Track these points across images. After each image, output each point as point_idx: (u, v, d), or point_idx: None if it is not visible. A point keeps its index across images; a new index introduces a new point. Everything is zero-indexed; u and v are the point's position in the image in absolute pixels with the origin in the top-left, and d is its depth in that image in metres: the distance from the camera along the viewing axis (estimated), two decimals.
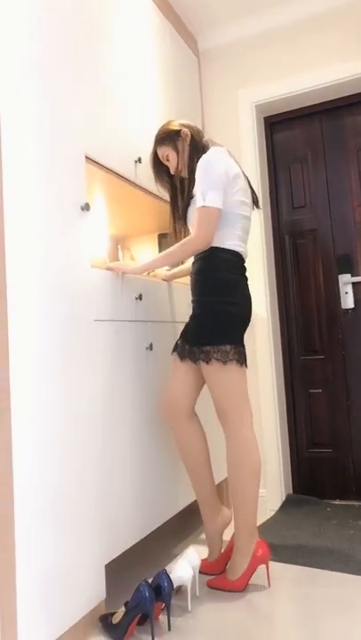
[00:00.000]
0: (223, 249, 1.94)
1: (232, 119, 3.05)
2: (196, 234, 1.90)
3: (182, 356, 2.03)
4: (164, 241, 2.92)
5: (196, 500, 2.37)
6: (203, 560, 2.08)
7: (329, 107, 3.00)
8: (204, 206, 1.88)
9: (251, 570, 1.89)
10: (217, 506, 2.08)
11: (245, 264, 2.03)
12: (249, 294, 2.00)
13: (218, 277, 1.93)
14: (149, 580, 1.68)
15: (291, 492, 2.99)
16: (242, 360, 1.93)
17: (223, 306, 1.91)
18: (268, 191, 3.10)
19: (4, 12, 1.52)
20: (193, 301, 2.00)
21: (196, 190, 1.92)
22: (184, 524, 2.61)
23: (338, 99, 2.97)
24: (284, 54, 2.95)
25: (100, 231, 2.68)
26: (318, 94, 2.92)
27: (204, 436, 2.08)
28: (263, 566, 1.95)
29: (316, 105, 3.02)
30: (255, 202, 2.10)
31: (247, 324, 1.99)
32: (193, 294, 2.00)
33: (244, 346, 1.96)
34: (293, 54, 2.93)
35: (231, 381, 1.91)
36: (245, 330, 1.99)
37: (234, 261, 1.96)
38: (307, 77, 2.88)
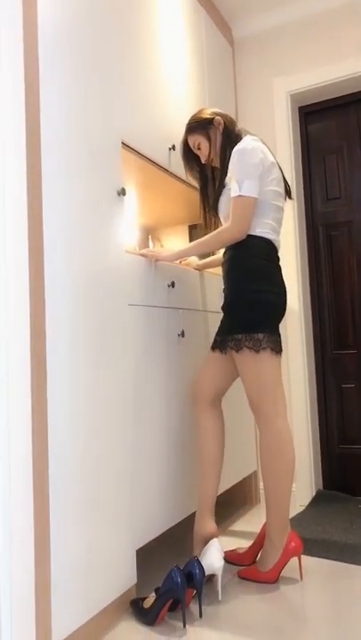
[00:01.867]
0: (255, 236, 1.90)
1: (267, 109, 3.02)
2: (232, 223, 1.87)
3: (214, 348, 2.01)
4: (194, 232, 2.90)
5: (229, 488, 2.36)
6: (232, 551, 2.06)
7: None
8: (240, 195, 1.85)
9: (283, 562, 1.86)
10: (208, 512, 1.97)
11: (278, 254, 1.99)
12: (283, 282, 1.96)
13: (251, 264, 1.90)
14: (181, 567, 1.66)
15: (321, 487, 2.94)
16: (277, 349, 1.89)
17: (256, 293, 1.87)
18: (301, 182, 3.06)
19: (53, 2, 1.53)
20: (225, 289, 1.97)
21: (231, 179, 1.90)
22: (216, 513, 2.59)
23: None
24: (320, 43, 2.90)
25: (132, 220, 2.68)
26: (354, 83, 2.87)
27: (223, 430, 2.03)
28: (295, 559, 1.92)
29: (352, 94, 2.96)
30: (288, 192, 2.07)
31: (282, 313, 1.94)
32: (225, 282, 1.97)
33: (279, 334, 1.92)
34: (329, 43, 2.88)
35: (264, 370, 1.86)
36: (281, 318, 1.94)
37: (267, 249, 1.92)
38: (342, 66, 2.82)
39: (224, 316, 1.96)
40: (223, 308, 1.96)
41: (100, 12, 1.78)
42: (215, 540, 1.80)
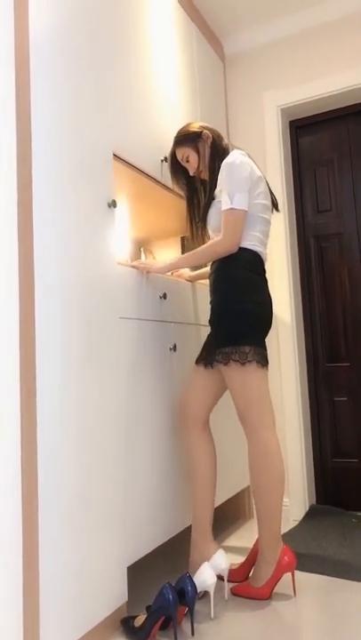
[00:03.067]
0: (243, 248, 1.91)
1: (257, 123, 3.04)
2: (225, 236, 1.88)
3: (198, 362, 2.00)
4: (186, 244, 2.89)
5: (222, 503, 2.33)
6: None
7: (356, 110, 2.96)
8: (232, 209, 1.86)
9: (276, 578, 1.83)
10: (208, 536, 1.94)
11: (265, 267, 1.99)
12: (270, 295, 1.97)
13: (237, 276, 1.89)
14: (173, 584, 1.62)
15: (314, 502, 2.91)
16: (263, 361, 1.88)
17: (243, 305, 1.86)
18: (292, 194, 3.07)
19: (42, 12, 1.52)
20: (212, 301, 1.95)
21: (221, 192, 1.91)
22: None
23: None
24: (310, 57, 2.93)
25: (123, 232, 2.68)
26: (345, 97, 2.89)
27: (214, 451, 2.01)
28: (289, 574, 1.89)
29: (343, 108, 2.98)
30: (275, 205, 2.07)
31: (269, 325, 1.94)
32: (212, 294, 1.96)
33: (265, 347, 1.92)
34: (319, 57, 2.91)
35: (251, 383, 1.85)
36: (267, 331, 1.94)
37: (254, 261, 1.93)
38: (333, 80, 2.85)
39: (211, 329, 1.95)
40: (210, 320, 1.95)
41: (92, 25, 1.79)
42: (219, 552, 1.80)
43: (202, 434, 1.99)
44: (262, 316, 1.90)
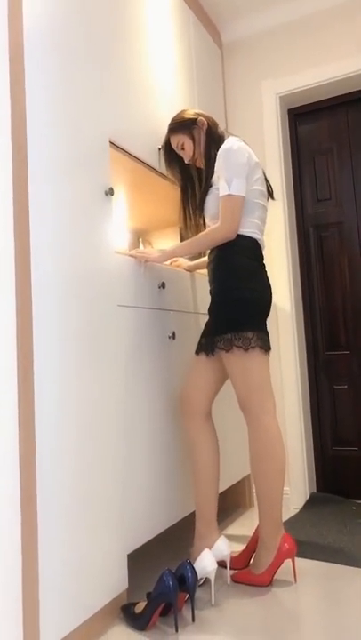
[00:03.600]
0: (241, 235, 1.90)
1: (256, 111, 3.02)
2: (223, 223, 1.87)
3: (199, 351, 1.98)
4: (185, 234, 2.89)
5: (223, 492, 2.34)
6: None
7: (355, 97, 2.94)
8: (229, 194, 1.85)
9: (276, 564, 1.84)
10: (213, 526, 1.93)
11: (263, 253, 1.98)
12: (268, 281, 1.96)
13: (236, 263, 1.89)
14: (173, 570, 1.63)
15: (315, 490, 2.92)
16: (265, 347, 1.88)
17: (243, 292, 1.86)
18: (291, 183, 3.06)
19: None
20: (211, 290, 1.95)
21: (218, 179, 1.90)
22: None
23: None
24: (309, 45, 2.91)
25: (121, 221, 2.67)
26: (344, 85, 2.88)
27: (217, 442, 2.00)
28: (289, 561, 1.90)
29: (342, 96, 2.97)
30: (270, 192, 2.06)
31: (268, 311, 1.94)
32: (211, 282, 1.96)
33: (267, 332, 1.91)
34: (318, 45, 2.89)
35: (253, 369, 1.85)
36: (267, 316, 1.93)
37: (252, 248, 1.92)
38: (332, 68, 2.83)
39: (211, 317, 1.94)
40: (210, 309, 1.94)
41: (88, 13, 1.77)
42: (221, 539, 1.80)
43: (204, 425, 1.98)
44: (262, 303, 1.90)
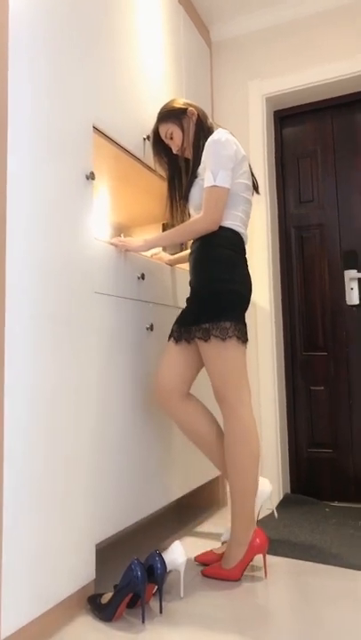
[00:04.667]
0: (224, 227, 1.89)
1: (242, 111, 3.03)
2: (206, 213, 1.86)
3: (177, 339, 1.93)
4: (171, 224, 2.87)
5: (194, 490, 2.32)
6: (208, 552, 1.99)
7: (340, 102, 2.97)
8: (214, 186, 1.84)
9: (247, 559, 1.81)
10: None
11: (246, 247, 1.98)
12: (249, 274, 1.95)
13: (217, 254, 1.87)
14: (142, 561, 1.60)
15: (289, 491, 2.91)
16: (243, 337, 1.87)
17: (223, 283, 1.84)
18: (275, 184, 3.07)
19: None
20: (191, 280, 1.94)
21: (205, 170, 1.89)
22: (180, 517, 2.54)
23: (349, 94, 2.94)
24: (297, 48, 2.93)
25: (104, 212, 2.65)
26: (330, 89, 2.90)
27: (208, 411, 1.96)
28: (260, 557, 1.88)
29: (328, 100, 2.99)
30: (255, 187, 2.06)
31: (247, 303, 1.92)
32: (192, 272, 1.94)
33: (245, 324, 1.90)
34: (306, 48, 2.91)
35: (229, 359, 1.83)
36: (246, 309, 1.92)
37: (234, 240, 1.91)
38: (318, 71, 2.85)
39: (189, 305, 1.91)
40: (188, 298, 1.92)
41: (77, 1, 1.76)
42: (175, 543, 1.71)
43: (186, 401, 1.93)
44: (241, 295, 1.88)
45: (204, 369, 1.98)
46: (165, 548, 1.81)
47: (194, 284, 1.92)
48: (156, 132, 2.11)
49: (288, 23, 2.96)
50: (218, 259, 1.87)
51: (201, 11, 2.98)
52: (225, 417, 1.87)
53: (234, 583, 1.80)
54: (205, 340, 1.83)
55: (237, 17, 3.04)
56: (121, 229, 2.95)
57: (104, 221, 2.72)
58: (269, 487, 2.02)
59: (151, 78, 2.35)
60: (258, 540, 1.82)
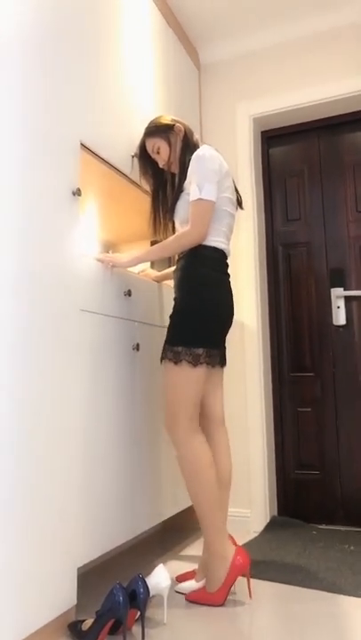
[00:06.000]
0: (208, 247, 1.90)
1: (230, 131, 3.05)
2: (192, 227, 1.86)
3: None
4: (155, 238, 2.86)
5: (179, 513, 2.28)
6: (192, 571, 1.96)
7: (326, 123, 3.01)
8: (200, 199, 1.84)
9: (230, 580, 1.77)
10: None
11: (228, 261, 1.99)
12: (231, 293, 1.96)
13: (199, 275, 1.88)
14: (124, 585, 1.55)
15: (276, 513, 2.87)
16: (212, 363, 1.87)
17: (201, 307, 1.84)
18: (262, 202, 3.09)
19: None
20: (175, 298, 1.93)
21: (190, 184, 1.90)
22: (166, 540, 2.49)
23: (335, 116, 2.98)
24: (284, 70, 2.97)
25: (91, 230, 2.63)
26: (316, 110, 2.94)
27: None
28: (244, 580, 1.83)
29: (314, 121, 3.03)
30: (239, 202, 2.08)
31: (227, 325, 1.94)
32: (175, 291, 1.94)
33: (219, 347, 1.91)
34: (293, 70, 2.95)
35: (193, 383, 1.82)
36: (226, 330, 1.94)
37: (217, 259, 1.92)
38: (305, 93, 2.89)
39: (170, 323, 1.90)
40: (170, 316, 1.92)
41: (68, 15, 1.77)
42: (160, 567, 1.68)
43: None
44: (220, 318, 1.89)
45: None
46: (149, 572, 1.76)
47: (175, 304, 1.92)
48: (142, 147, 2.12)
49: (276, 46, 3.01)
50: (199, 279, 1.87)
51: (190, 34, 3.02)
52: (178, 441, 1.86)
53: (219, 608, 1.75)
54: (176, 363, 1.82)
55: (226, 40, 3.08)
56: (109, 246, 2.93)
57: (92, 238, 2.71)
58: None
59: (140, 98, 2.36)
60: (239, 558, 1.78)
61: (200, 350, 1.82)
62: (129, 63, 2.27)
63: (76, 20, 1.84)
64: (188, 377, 1.81)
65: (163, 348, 1.88)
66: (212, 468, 1.81)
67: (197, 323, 1.83)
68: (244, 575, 1.80)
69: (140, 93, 2.36)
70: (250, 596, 1.80)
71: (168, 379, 1.84)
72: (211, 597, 1.76)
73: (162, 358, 1.86)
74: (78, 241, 1.74)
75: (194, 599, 1.80)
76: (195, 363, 1.81)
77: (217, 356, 1.91)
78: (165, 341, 1.88)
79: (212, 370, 1.92)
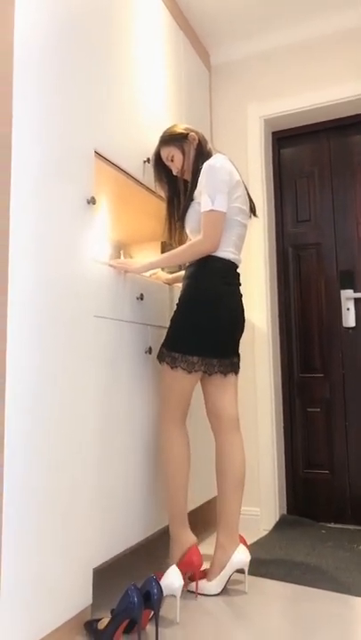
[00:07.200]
0: (217, 258, 1.94)
1: (240, 132, 3.06)
2: (205, 237, 1.91)
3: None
4: (167, 248, 2.89)
5: (191, 513, 2.31)
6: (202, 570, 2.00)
7: (337, 124, 3.01)
8: (212, 210, 1.88)
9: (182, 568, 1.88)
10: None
11: (238, 270, 2.03)
12: (236, 305, 2.00)
13: (205, 286, 1.93)
14: (138, 586, 1.59)
15: (285, 512, 2.90)
16: (209, 371, 1.96)
17: (204, 317, 1.91)
18: (273, 203, 3.10)
19: (25, 6, 1.52)
20: (177, 304, 1.99)
21: (201, 194, 1.93)
22: None
23: (346, 117, 2.98)
24: (295, 71, 2.98)
25: (103, 232, 2.66)
26: (326, 112, 2.94)
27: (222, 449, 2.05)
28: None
29: (324, 122, 3.03)
30: (253, 210, 2.11)
31: (235, 335, 2.00)
32: (180, 297, 1.99)
33: (217, 357, 1.96)
34: (303, 72, 2.95)
35: (184, 385, 1.94)
36: (233, 340, 2.00)
37: (226, 270, 1.97)
38: (316, 95, 2.90)
39: (169, 327, 1.98)
40: (171, 319, 1.99)
41: (80, 26, 1.79)
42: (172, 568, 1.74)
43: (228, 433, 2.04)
44: (225, 328, 1.94)
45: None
46: (162, 569, 1.81)
47: (177, 310, 1.97)
48: (157, 154, 2.15)
49: (286, 47, 3.01)
50: (204, 291, 1.93)
51: (201, 35, 3.03)
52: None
53: (232, 608, 1.78)
54: (172, 368, 1.93)
55: (237, 41, 3.08)
56: (120, 247, 2.96)
57: (104, 240, 2.74)
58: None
59: (152, 102, 2.38)
60: (192, 557, 1.89)
61: (195, 358, 1.91)
62: (141, 68, 2.29)
63: (89, 28, 1.86)
64: (181, 381, 1.94)
65: (160, 349, 1.98)
66: (182, 460, 1.96)
67: (195, 333, 1.91)
68: (192, 579, 1.91)
69: (151, 97, 2.38)
70: (196, 597, 1.88)
71: (164, 379, 1.98)
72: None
73: (160, 359, 1.97)
74: (92, 248, 1.77)
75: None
76: (189, 370, 1.92)
77: (215, 365, 1.97)
78: (163, 344, 1.97)
79: (216, 376, 1.99)
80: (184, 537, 1.93)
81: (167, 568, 1.71)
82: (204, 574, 1.96)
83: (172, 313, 2.28)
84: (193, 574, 1.90)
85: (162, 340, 2.17)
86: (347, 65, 2.86)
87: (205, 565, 2.01)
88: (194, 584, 1.91)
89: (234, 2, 2.78)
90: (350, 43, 2.86)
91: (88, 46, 1.84)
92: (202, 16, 2.88)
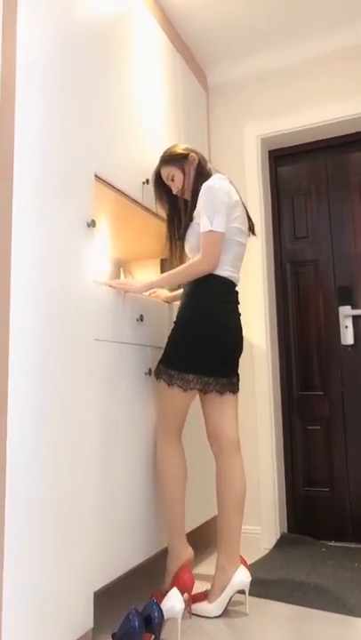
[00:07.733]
0: (216, 276, 1.96)
1: (238, 151, 3.10)
2: (203, 257, 1.93)
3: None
4: (166, 266, 2.91)
5: (189, 532, 2.30)
6: (204, 592, 2.00)
7: (333, 143, 3.05)
8: (211, 230, 1.91)
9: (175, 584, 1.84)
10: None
11: (237, 288, 2.05)
12: (234, 324, 2.01)
13: (203, 304, 1.95)
14: (139, 610, 1.59)
15: (286, 530, 2.89)
16: (205, 390, 1.98)
17: (200, 336, 1.92)
18: (270, 220, 3.13)
19: (27, 29, 1.55)
20: (175, 322, 2.00)
21: (200, 214, 1.96)
22: None
23: (342, 135, 3.02)
24: (291, 91, 3.02)
25: (103, 252, 2.68)
26: (323, 130, 2.98)
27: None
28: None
29: (321, 141, 3.07)
30: (251, 229, 2.13)
31: (233, 354, 2.02)
32: (177, 315, 2.01)
33: (212, 375, 1.97)
34: (300, 91, 2.99)
35: (181, 403, 1.97)
36: (232, 359, 2.01)
37: (224, 289, 1.99)
38: (312, 114, 2.94)
39: (166, 344, 2.00)
40: (169, 336, 2.00)
41: (80, 49, 1.82)
42: (173, 590, 1.74)
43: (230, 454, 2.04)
44: (223, 347, 1.96)
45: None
46: (162, 591, 1.81)
47: (175, 327, 1.99)
48: (158, 174, 2.18)
49: (282, 67, 3.06)
50: (202, 310, 1.94)
51: (198, 57, 3.07)
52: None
53: (233, 631, 1.77)
54: (169, 385, 1.95)
55: (233, 62, 3.13)
56: (120, 265, 2.98)
57: (104, 259, 2.76)
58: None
59: (150, 123, 2.41)
60: (184, 576, 1.86)
61: (191, 376, 1.93)
62: (139, 90, 2.33)
63: (88, 53, 1.89)
64: (177, 398, 1.96)
65: (158, 365, 2.00)
66: (178, 473, 1.98)
67: (192, 351, 1.92)
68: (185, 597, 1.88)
69: (150, 119, 2.41)
70: (190, 616, 1.87)
71: (161, 395, 2.00)
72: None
73: (157, 376, 1.99)
74: (92, 271, 1.79)
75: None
76: (185, 387, 1.93)
77: (211, 384, 1.98)
78: (160, 360, 1.99)
79: (212, 395, 2.01)
80: (181, 550, 1.95)
81: (163, 583, 1.71)
82: (205, 596, 1.95)
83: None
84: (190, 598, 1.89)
85: None
86: (343, 84, 2.90)
87: (206, 586, 2.01)
88: (196, 606, 1.89)
89: (229, 23, 2.82)
90: (345, 62, 2.90)
91: (87, 73, 1.87)
92: (198, 38, 2.93)
